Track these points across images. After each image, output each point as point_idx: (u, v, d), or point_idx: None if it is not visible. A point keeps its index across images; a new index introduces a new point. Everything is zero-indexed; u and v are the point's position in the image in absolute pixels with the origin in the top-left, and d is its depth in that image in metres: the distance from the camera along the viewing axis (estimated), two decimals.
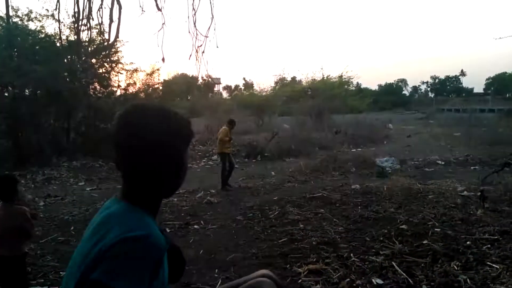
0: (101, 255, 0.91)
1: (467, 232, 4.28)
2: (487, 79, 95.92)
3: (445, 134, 18.85)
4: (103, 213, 1.07)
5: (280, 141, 15.53)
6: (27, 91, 13.48)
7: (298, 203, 6.10)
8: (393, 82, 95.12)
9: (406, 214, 5.09)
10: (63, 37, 13.44)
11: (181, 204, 6.70)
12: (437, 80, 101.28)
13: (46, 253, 4.42)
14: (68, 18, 12.52)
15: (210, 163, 13.26)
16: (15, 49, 13.13)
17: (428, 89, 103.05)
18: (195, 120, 17.38)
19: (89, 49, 12.53)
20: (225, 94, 60.58)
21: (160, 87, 19.44)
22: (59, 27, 12.77)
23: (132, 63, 15.60)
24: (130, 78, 15.91)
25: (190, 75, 44.65)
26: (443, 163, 10.56)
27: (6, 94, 13.24)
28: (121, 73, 15.30)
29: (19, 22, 13.34)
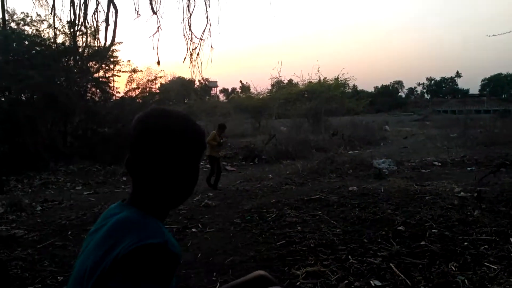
0: (118, 263, 0.89)
1: (465, 233, 4.29)
2: (482, 80, 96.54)
3: (441, 135, 18.93)
4: (113, 219, 1.04)
5: (277, 144, 15.54)
6: (23, 96, 13.45)
7: (295, 205, 6.10)
8: (389, 84, 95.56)
9: (403, 215, 5.10)
10: (60, 41, 13.49)
11: (178, 207, 6.68)
12: (432, 82, 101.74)
13: (43, 258, 4.39)
14: (62, 24, 12.60)
15: (208, 166, 13.22)
16: (11, 54, 13.11)
17: (424, 90, 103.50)
18: None
19: (85, 53, 12.55)
20: (222, 97, 60.68)
21: (158, 91, 19.43)
22: (54, 32, 12.77)
23: (129, 61, 15.57)
24: (128, 82, 15.85)
25: (187, 78, 44.72)
26: (439, 164, 10.59)
27: (3, 99, 13.21)
28: (118, 75, 15.24)
29: (15, 27, 13.32)
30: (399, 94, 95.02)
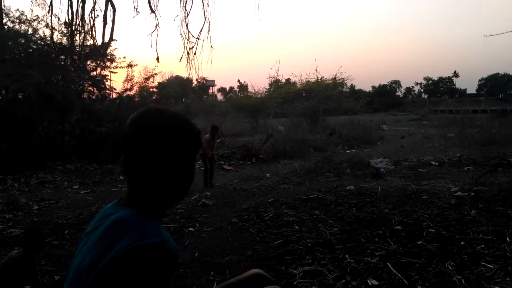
0: (116, 262, 0.89)
1: (461, 232, 4.30)
2: (480, 80, 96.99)
3: (438, 135, 18.95)
4: (110, 218, 1.03)
5: (275, 143, 15.54)
6: (20, 94, 13.39)
7: (293, 204, 6.10)
8: (386, 83, 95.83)
9: (400, 214, 5.11)
10: (57, 40, 13.43)
11: (176, 206, 6.68)
12: (430, 81, 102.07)
13: (40, 257, 4.38)
14: (60, 23, 12.55)
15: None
16: (7, 53, 13.04)
17: (422, 90, 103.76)
18: None
19: (82, 52, 12.49)
20: (219, 96, 60.59)
21: (155, 90, 19.38)
22: (51, 31, 12.72)
23: (125, 57, 15.37)
24: (126, 81, 15.73)
25: (185, 77, 44.64)
26: (437, 163, 10.61)
27: (0, 98, 13.14)
28: (115, 72, 15.10)
29: (11, 25, 13.25)
30: (397, 93, 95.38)
